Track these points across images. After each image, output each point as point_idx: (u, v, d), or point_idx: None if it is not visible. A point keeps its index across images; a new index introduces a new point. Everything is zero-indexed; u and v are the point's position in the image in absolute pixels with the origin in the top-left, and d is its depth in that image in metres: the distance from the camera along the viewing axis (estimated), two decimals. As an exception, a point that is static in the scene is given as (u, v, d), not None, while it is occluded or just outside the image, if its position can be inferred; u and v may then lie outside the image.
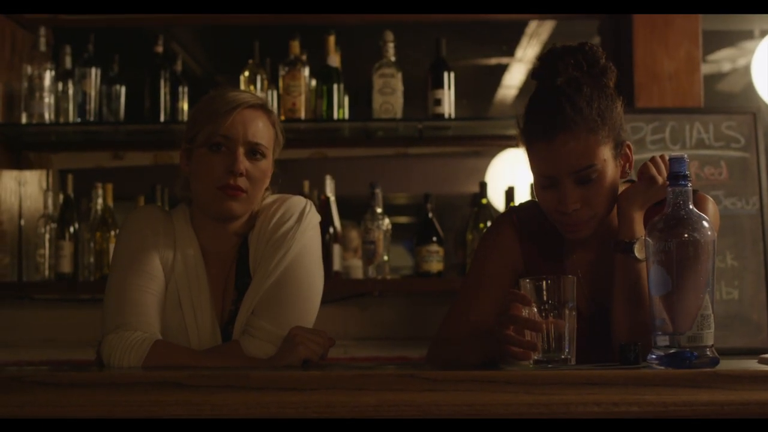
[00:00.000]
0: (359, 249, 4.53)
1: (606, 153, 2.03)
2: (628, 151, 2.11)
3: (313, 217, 2.27)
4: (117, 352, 2.11)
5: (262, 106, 2.24)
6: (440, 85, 3.63)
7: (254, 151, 2.19)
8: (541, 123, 2.02)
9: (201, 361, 2.11)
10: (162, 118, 3.69)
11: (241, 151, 2.17)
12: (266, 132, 2.22)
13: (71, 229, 3.66)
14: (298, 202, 2.27)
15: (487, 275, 2.18)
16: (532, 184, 2.15)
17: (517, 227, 2.19)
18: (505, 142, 4.18)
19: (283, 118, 3.62)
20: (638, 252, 2.03)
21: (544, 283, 1.79)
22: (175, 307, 2.22)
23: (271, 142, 2.24)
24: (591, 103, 2.02)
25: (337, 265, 3.61)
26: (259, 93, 3.64)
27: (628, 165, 2.11)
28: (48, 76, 3.67)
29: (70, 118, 3.71)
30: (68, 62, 3.75)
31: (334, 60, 3.67)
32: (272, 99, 3.67)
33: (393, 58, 3.66)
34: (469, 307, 2.16)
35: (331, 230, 3.63)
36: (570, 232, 2.08)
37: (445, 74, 3.63)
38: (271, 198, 2.29)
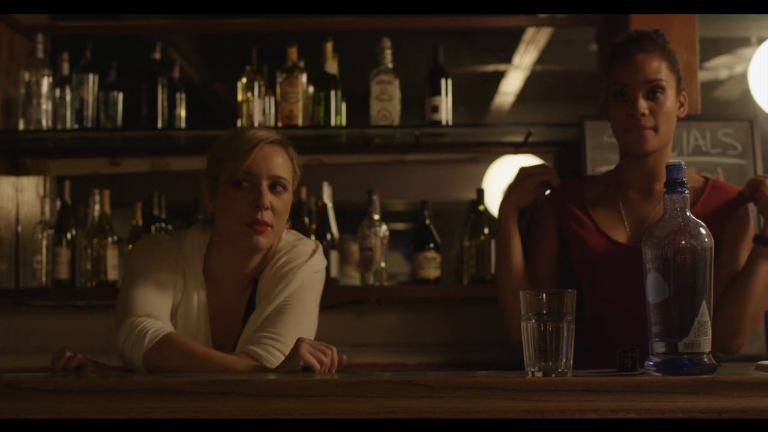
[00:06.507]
0: (353, 260, 4.52)
1: (671, 81, 2.50)
2: (684, 99, 2.55)
3: (319, 261, 2.39)
4: (130, 341, 2.18)
5: (281, 142, 2.34)
6: (437, 92, 3.63)
7: (276, 185, 2.29)
8: (624, 46, 2.52)
9: (209, 359, 2.15)
10: (159, 125, 3.69)
11: (264, 185, 2.27)
12: (286, 166, 2.32)
13: (68, 236, 3.66)
14: (307, 246, 2.39)
15: (535, 232, 2.72)
16: (605, 106, 2.60)
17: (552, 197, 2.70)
18: (502, 149, 4.18)
19: (280, 124, 3.62)
20: None
21: (544, 295, 1.79)
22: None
23: (290, 175, 2.34)
24: (665, 43, 2.53)
25: (334, 272, 3.61)
26: (256, 99, 3.63)
27: (682, 109, 2.56)
28: (45, 83, 3.67)
29: (68, 125, 3.70)
30: (66, 69, 3.74)
31: (332, 67, 3.67)
32: (269, 106, 3.67)
33: (390, 65, 3.66)
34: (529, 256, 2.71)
35: (329, 237, 3.63)
36: (638, 139, 2.48)
37: (443, 81, 3.63)
38: (284, 240, 2.38)
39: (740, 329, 2.50)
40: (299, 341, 2.10)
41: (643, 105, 2.46)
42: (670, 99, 2.49)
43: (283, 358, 2.19)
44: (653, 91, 2.47)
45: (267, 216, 2.26)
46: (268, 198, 2.26)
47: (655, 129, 2.48)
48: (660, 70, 2.48)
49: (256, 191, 2.26)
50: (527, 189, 2.65)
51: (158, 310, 2.25)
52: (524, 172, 2.68)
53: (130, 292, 2.27)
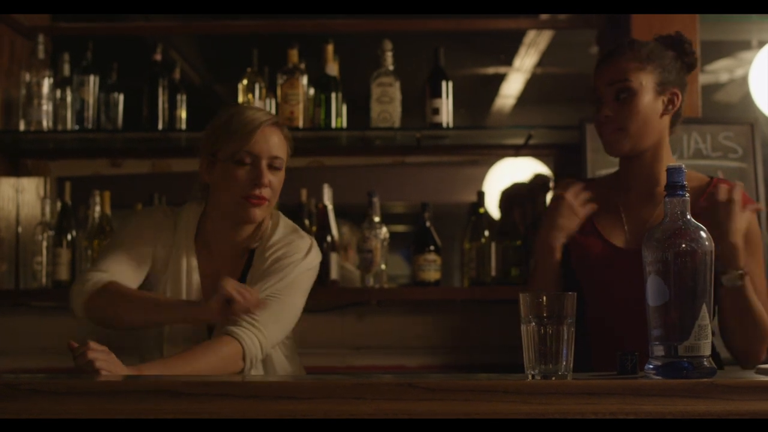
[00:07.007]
0: (349, 247, 4.50)
1: (645, 81, 2.45)
2: (674, 97, 2.48)
3: (314, 258, 2.52)
4: (75, 290, 2.42)
5: (278, 123, 2.51)
6: (438, 94, 3.63)
7: (273, 164, 2.45)
8: (603, 55, 2.56)
9: (150, 300, 2.37)
10: (160, 126, 3.69)
11: (264, 164, 2.43)
12: (282, 146, 2.49)
13: (68, 237, 3.66)
14: (304, 242, 2.52)
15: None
16: None
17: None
18: (502, 152, 4.18)
19: (281, 126, 3.62)
20: (725, 280, 2.33)
21: (544, 297, 1.78)
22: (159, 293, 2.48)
23: (285, 153, 2.50)
24: (645, 45, 2.49)
25: (334, 274, 3.60)
26: (257, 101, 3.64)
27: (671, 106, 2.49)
28: (46, 84, 3.67)
29: (68, 126, 3.71)
30: (66, 70, 3.74)
31: (333, 69, 3.67)
32: (270, 108, 3.67)
33: (391, 67, 3.66)
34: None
35: (329, 239, 3.63)
36: (606, 141, 2.50)
37: (444, 83, 3.63)
38: (282, 231, 2.52)
39: (758, 351, 2.43)
40: (224, 280, 2.24)
41: (607, 108, 2.47)
42: (643, 99, 2.45)
43: (258, 344, 2.32)
44: (619, 92, 2.46)
45: (265, 192, 2.43)
46: (268, 177, 2.43)
47: (624, 130, 2.46)
48: (626, 71, 2.45)
49: (256, 170, 2.42)
50: (572, 217, 2.55)
51: (116, 270, 2.43)
52: (565, 200, 2.55)
53: (101, 254, 2.51)
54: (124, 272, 2.44)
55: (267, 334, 2.34)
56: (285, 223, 2.56)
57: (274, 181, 2.45)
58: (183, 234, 2.51)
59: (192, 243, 2.50)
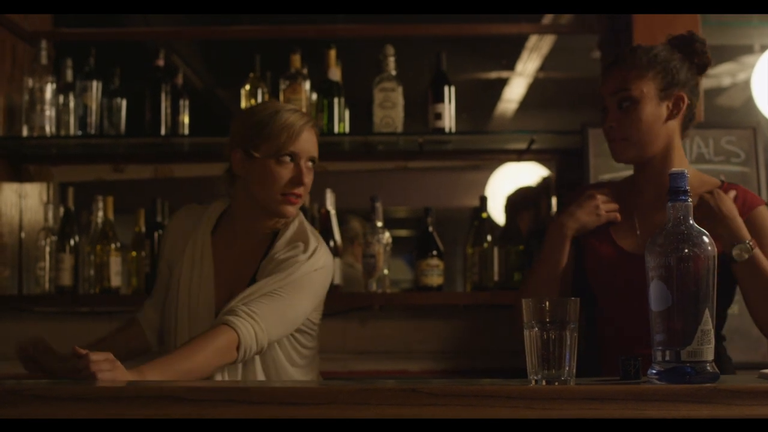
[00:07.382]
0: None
1: (647, 88, 2.46)
2: (679, 100, 2.48)
3: (320, 258, 2.52)
4: None
5: (314, 124, 2.58)
6: (441, 99, 3.63)
7: (309, 163, 2.55)
8: (607, 64, 2.56)
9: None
10: (163, 132, 3.69)
11: (303, 164, 2.52)
12: (316, 145, 2.58)
13: (71, 242, 3.66)
14: (311, 243, 2.54)
15: None
16: None
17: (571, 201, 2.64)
18: (505, 156, 4.17)
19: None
20: (736, 255, 2.34)
21: (547, 303, 1.78)
22: (174, 283, 2.58)
23: (317, 152, 2.59)
24: (648, 52, 2.49)
25: (337, 279, 3.60)
26: (259, 106, 3.64)
27: (676, 111, 2.49)
28: (49, 89, 3.67)
29: (71, 131, 3.71)
30: (69, 75, 3.75)
31: (335, 74, 3.67)
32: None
33: (393, 72, 3.66)
34: None
35: (332, 244, 3.62)
36: (612, 150, 2.51)
37: (446, 88, 3.64)
38: (294, 231, 2.57)
39: None
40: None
41: (611, 117, 2.49)
42: (645, 107, 2.46)
43: (254, 334, 2.33)
44: (621, 101, 2.48)
45: (302, 190, 2.52)
46: (307, 176, 2.52)
47: (627, 139, 2.48)
48: (627, 80, 2.47)
49: (297, 168, 2.50)
50: (592, 216, 2.56)
51: (150, 304, 2.70)
52: (595, 199, 2.57)
53: None
54: (154, 301, 2.70)
55: (264, 327, 2.35)
56: (300, 221, 2.61)
57: (308, 179, 2.53)
58: (203, 226, 2.61)
59: (208, 235, 2.60)
